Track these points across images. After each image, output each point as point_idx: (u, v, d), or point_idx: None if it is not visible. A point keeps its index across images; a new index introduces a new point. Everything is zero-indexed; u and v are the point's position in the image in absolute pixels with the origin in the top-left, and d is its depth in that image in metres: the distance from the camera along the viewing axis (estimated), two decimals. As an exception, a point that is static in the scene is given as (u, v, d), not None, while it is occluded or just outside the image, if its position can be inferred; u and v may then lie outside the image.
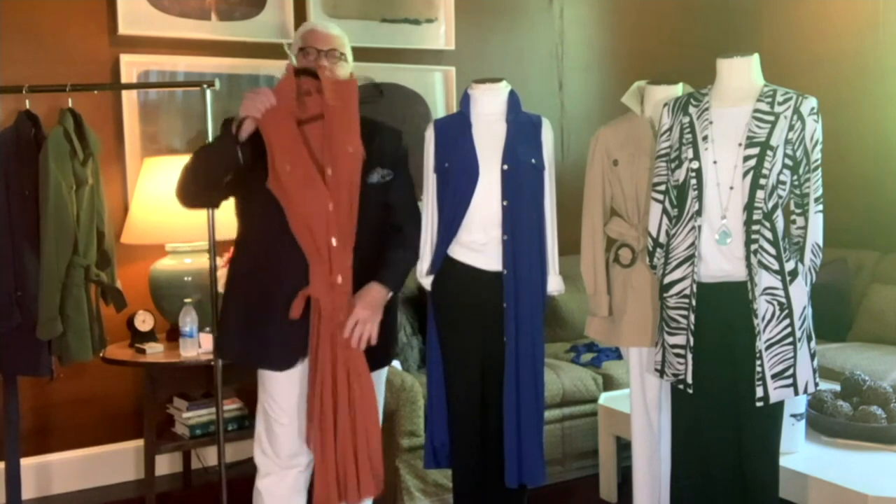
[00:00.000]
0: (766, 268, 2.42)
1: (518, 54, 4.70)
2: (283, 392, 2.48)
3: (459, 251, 2.69)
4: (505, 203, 2.64)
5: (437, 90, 4.47)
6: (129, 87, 3.75)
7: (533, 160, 2.69)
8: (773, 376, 2.44)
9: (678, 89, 2.79)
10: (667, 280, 2.56)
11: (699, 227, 2.48)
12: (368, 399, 2.43)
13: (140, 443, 3.64)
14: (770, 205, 2.41)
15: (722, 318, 2.49)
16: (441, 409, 2.74)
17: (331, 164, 2.37)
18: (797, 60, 4.80)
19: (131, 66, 3.76)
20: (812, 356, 2.49)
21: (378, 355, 2.50)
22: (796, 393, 2.47)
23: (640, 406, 2.86)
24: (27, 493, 3.48)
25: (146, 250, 3.69)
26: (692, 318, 2.50)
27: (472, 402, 2.71)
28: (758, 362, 2.44)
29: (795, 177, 2.46)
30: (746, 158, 2.42)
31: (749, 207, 2.41)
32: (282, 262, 2.41)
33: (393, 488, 3.31)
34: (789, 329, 2.44)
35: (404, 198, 2.60)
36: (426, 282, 2.73)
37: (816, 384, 2.50)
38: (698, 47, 4.85)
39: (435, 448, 2.77)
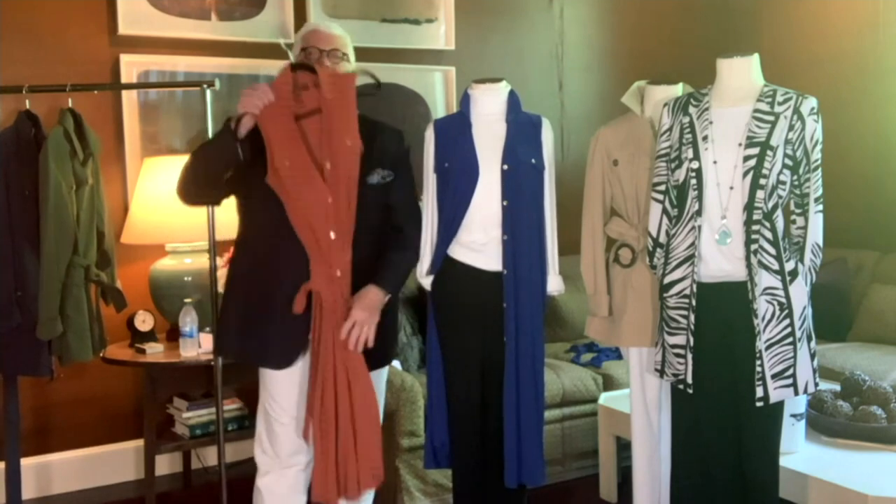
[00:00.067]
0: (766, 268, 2.42)
1: (518, 54, 4.70)
2: (283, 392, 2.48)
3: (459, 251, 2.69)
4: (505, 203, 2.64)
5: (437, 90, 4.47)
6: (129, 87, 3.75)
7: (533, 160, 2.69)
8: (773, 376, 2.44)
9: (678, 89, 2.79)
10: (667, 280, 2.56)
11: (699, 227, 2.48)
12: (369, 399, 2.43)
13: (140, 443, 3.64)
14: (770, 205, 2.41)
15: (722, 318, 2.49)
16: (441, 409, 2.75)
17: (329, 158, 2.38)
18: (797, 60, 4.80)
19: (131, 66, 3.76)
20: (812, 356, 2.49)
21: (377, 355, 2.50)
22: (796, 393, 2.47)
23: (640, 406, 2.86)
24: (27, 493, 3.48)
25: (146, 250, 3.69)
26: (692, 318, 2.50)
27: (472, 402, 2.71)
28: (758, 362, 2.44)
29: (795, 177, 2.46)
30: (746, 158, 2.42)
31: (749, 207, 2.41)
32: (281, 259, 2.42)
33: (393, 488, 3.31)
34: (789, 329, 2.44)
35: (405, 198, 2.60)
36: (426, 282, 2.74)
37: (816, 384, 2.50)
38: (698, 47, 4.85)
39: (435, 448, 2.77)
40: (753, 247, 2.42)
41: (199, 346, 3.33)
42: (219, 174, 2.45)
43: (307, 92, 2.39)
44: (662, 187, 2.60)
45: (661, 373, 2.63)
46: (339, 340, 2.38)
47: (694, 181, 2.48)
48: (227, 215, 2.72)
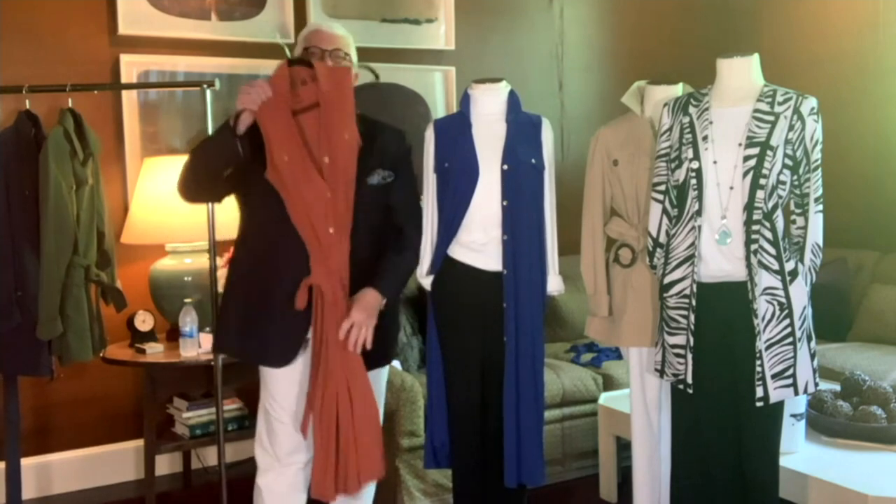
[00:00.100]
0: (766, 268, 2.42)
1: (518, 54, 4.70)
2: (283, 391, 2.49)
3: (459, 251, 2.69)
4: (505, 203, 2.64)
5: (437, 90, 4.47)
6: (129, 87, 3.75)
7: (533, 160, 2.69)
8: (773, 376, 2.44)
9: (678, 89, 2.79)
10: (667, 280, 2.56)
11: (699, 227, 2.48)
12: (368, 397, 2.44)
13: (140, 443, 3.64)
14: (770, 205, 2.41)
15: (722, 318, 2.49)
16: (441, 409, 2.75)
17: (328, 153, 2.38)
18: (797, 60, 4.80)
19: (131, 66, 3.77)
20: (812, 356, 2.49)
21: (376, 356, 2.50)
22: (796, 393, 2.47)
23: (640, 406, 2.86)
24: (27, 493, 3.48)
25: (146, 250, 3.69)
26: (692, 318, 2.50)
27: (472, 403, 2.71)
28: (758, 362, 2.44)
29: (795, 177, 2.46)
30: (746, 158, 2.42)
31: (749, 207, 2.41)
32: (280, 256, 2.42)
33: (393, 488, 3.31)
34: (789, 329, 2.44)
35: (405, 199, 2.60)
36: (426, 282, 2.74)
37: (816, 384, 2.50)
38: (698, 47, 4.85)
39: (435, 448, 2.77)
40: (753, 247, 2.42)
41: (199, 346, 3.33)
42: (219, 171, 2.45)
43: (305, 87, 2.40)
44: (662, 187, 2.60)
45: (661, 373, 2.63)
46: (336, 343, 2.38)
47: (694, 181, 2.48)
48: (228, 215, 2.72)
